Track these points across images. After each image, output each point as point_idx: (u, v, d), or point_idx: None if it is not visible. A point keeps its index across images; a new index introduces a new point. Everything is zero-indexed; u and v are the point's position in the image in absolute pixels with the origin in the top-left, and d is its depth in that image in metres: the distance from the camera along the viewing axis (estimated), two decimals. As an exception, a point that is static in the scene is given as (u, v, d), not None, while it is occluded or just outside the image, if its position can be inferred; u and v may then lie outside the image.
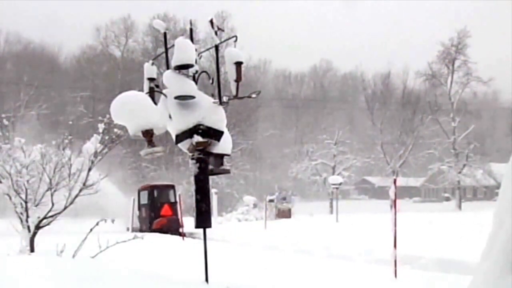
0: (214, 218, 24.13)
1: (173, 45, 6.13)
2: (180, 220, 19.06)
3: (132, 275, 5.86)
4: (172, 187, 27.10)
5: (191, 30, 6.78)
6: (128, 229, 23.31)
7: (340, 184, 31.27)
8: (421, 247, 11.65)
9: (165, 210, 24.56)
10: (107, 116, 6.81)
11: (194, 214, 6.24)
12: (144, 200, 25.97)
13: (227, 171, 6.71)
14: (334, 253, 12.82)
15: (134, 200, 23.78)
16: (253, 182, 54.57)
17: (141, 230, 22.57)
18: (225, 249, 14.55)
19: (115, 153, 39.81)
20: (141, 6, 66.32)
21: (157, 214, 24.23)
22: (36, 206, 7.84)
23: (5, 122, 8.68)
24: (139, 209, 25.97)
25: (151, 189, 26.36)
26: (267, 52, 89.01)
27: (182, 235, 18.07)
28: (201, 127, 6.08)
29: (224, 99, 6.25)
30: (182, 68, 6.03)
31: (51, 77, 58.21)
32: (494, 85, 56.68)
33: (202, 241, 6.42)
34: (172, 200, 25.38)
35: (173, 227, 21.87)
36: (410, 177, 56.41)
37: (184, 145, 6.19)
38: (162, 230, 21.87)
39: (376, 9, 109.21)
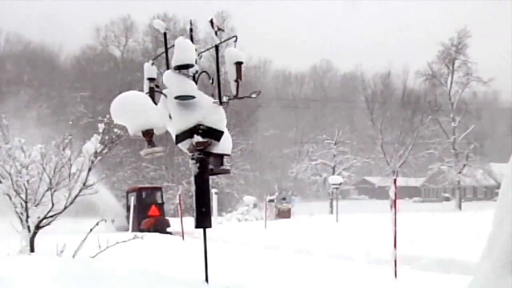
0: (214, 218, 24.19)
1: (173, 45, 6.12)
2: (180, 220, 19.16)
3: (132, 275, 5.86)
4: (160, 189, 28.69)
5: (191, 30, 6.78)
6: (128, 229, 23.50)
7: (340, 184, 31.26)
8: (421, 247, 11.64)
9: (153, 210, 25.71)
10: (107, 116, 6.80)
11: (194, 214, 6.24)
12: (133, 201, 26.71)
13: (227, 171, 6.71)
14: (334, 253, 12.81)
15: (133, 200, 23.87)
16: (253, 182, 54.55)
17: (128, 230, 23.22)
18: (225, 249, 14.55)
19: (115, 153, 39.94)
20: (141, 6, 66.30)
21: (145, 215, 25.15)
22: (36, 206, 7.83)
23: (5, 122, 8.65)
24: (128, 209, 26.77)
25: (139, 191, 27.43)
26: (267, 52, 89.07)
27: (182, 234, 18.09)
28: (201, 127, 6.08)
29: (224, 99, 6.25)
30: (182, 68, 6.03)
31: (51, 77, 58.21)
32: (494, 85, 56.61)
33: (202, 241, 6.42)
34: (159, 201, 26.86)
35: (160, 227, 23.41)
36: (410, 177, 56.38)
37: (184, 145, 6.19)
38: (150, 229, 22.38)
39: (376, 9, 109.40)
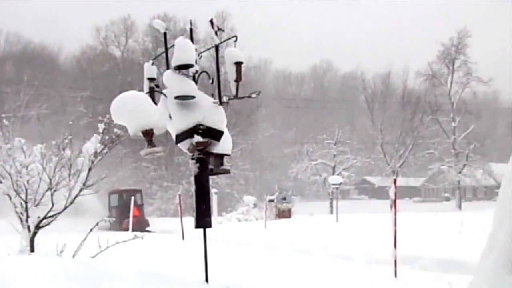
0: (214, 218, 24.39)
1: (173, 45, 6.12)
2: (180, 220, 19.30)
3: (132, 275, 5.86)
4: (139, 191, 31.10)
5: (191, 30, 6.78)
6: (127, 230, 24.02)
7: (340, 184, 31.26)
8: (421, 247, 11.64)
9: (133, 211, 26.63)
10: (107, 116, 6.79)
11: (194, 214, 6.23)
12: (115, 202, 29.41)
13: (227, 171, 6.70)
14: (334, 253, 12.80)
15: (133, 199, 24.06)
16: (253, 182, 54.56)
17: (111, 229, 24.02)
18: (225, 249, 14.55)
19: (115, 153, 39.93)
20: (141, 6, 66.32)
21: (126, 215, 26.27)
22: (36, 206, 7.82)
23: (5, 122, 8.64)
24: (110, 210, 29.07)
25: (120, 193, 29.78)
26: (267, 52, 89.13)
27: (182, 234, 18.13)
28: (201, 127, 6.08)
29: (224, 99, 6.25)
30: (182, 68, 6.03)
31: (51, 77, 58.20)
32: (494, 85, 56.70)
33: (202, 241, 6.42)
34: (139, 202, 29.05)
35: (140, 227, 25.05)
36: (410, 177, 56.38)
37: (184, 145, 6.18)
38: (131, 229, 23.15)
39: (376, 9, 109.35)
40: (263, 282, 8.67)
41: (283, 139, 69.55)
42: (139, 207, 28.56)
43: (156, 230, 26.78)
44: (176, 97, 6.03)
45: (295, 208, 34.03)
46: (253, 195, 40.86)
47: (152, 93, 6.20)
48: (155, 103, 6.07)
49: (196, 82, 6.22)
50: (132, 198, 24.40)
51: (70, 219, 8.14)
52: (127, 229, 23.15)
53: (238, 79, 6.13)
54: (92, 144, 7.89)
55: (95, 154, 7.88)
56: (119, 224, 25.90)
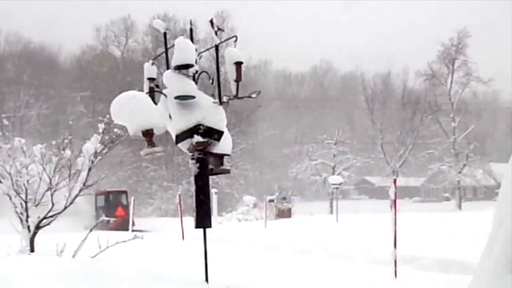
0: (214, 218, 24.42)
1: (173, 45, 6.12)
2: (180, 220, 19.28)
3: (132, 275, 5.86)
4: (125, 192, 32.56)
5: (191, 30, 6.78)
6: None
7: (340, 184, 31.22)
8: (421, 247, 11.63)
9: (119, 211, 28.94)
10: (107, 116, 6.79)
11: (194, 214, 6.23)
12: (101, 203, 30.84)
13: (227, 171, 6.70)
14: (334, 253, 12.79)
15: (133, 200, 24.08)
16: (253, 182, 54.52)
17: (98, 229, 24.41)
18: (225, 249, 14.55)
19: (115, 153, 39.93)
20: (141, 6, 66.40)
21: (112, 215, 27.40)
22: (36, 206, 7.82)
23: (5, 122, 8.64)
24: (96, 210, 30.31)
25: (106, 194, 31.12)
26: (267, 52, 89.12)
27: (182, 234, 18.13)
28: (201, 127, 6.08)
29: (224, 99, 6.25)
30: (182, 68, 6.03)
31: (51, 77, 58.19)
32: (494, 85, 56.63)
33: (202, 241, 6.42)
34: (125, 203, 30.83)
35: (126, 226, 25.40)
36: (410, 177, 56.38)
37: (184, 145, 6.18)
38: (117, 228, 23.58)
39: (376, 9, 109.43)
40: (263, 282, 8.66)
41: (283, 139, 69.56)
42: (124, 207, 29.93)
43: (151, 229, 26.80)
44: (176, 97, 6.03)
45: (295, 208, 34.05)
46: (253, 195, 40.87)
47: (152, 93, 6.20)
48: (155, 103, 6.07)
49: (196, 82, 6.22)
50: (133, 199, 24.47)
51: (61, 219, 8.15)
52: (114, 229, 23.44)
53: (238, 79, 6.13)
54: (92, 144, 7.88)
55: (95, 154, 7.88)
56: (105, 224, 26.36)
